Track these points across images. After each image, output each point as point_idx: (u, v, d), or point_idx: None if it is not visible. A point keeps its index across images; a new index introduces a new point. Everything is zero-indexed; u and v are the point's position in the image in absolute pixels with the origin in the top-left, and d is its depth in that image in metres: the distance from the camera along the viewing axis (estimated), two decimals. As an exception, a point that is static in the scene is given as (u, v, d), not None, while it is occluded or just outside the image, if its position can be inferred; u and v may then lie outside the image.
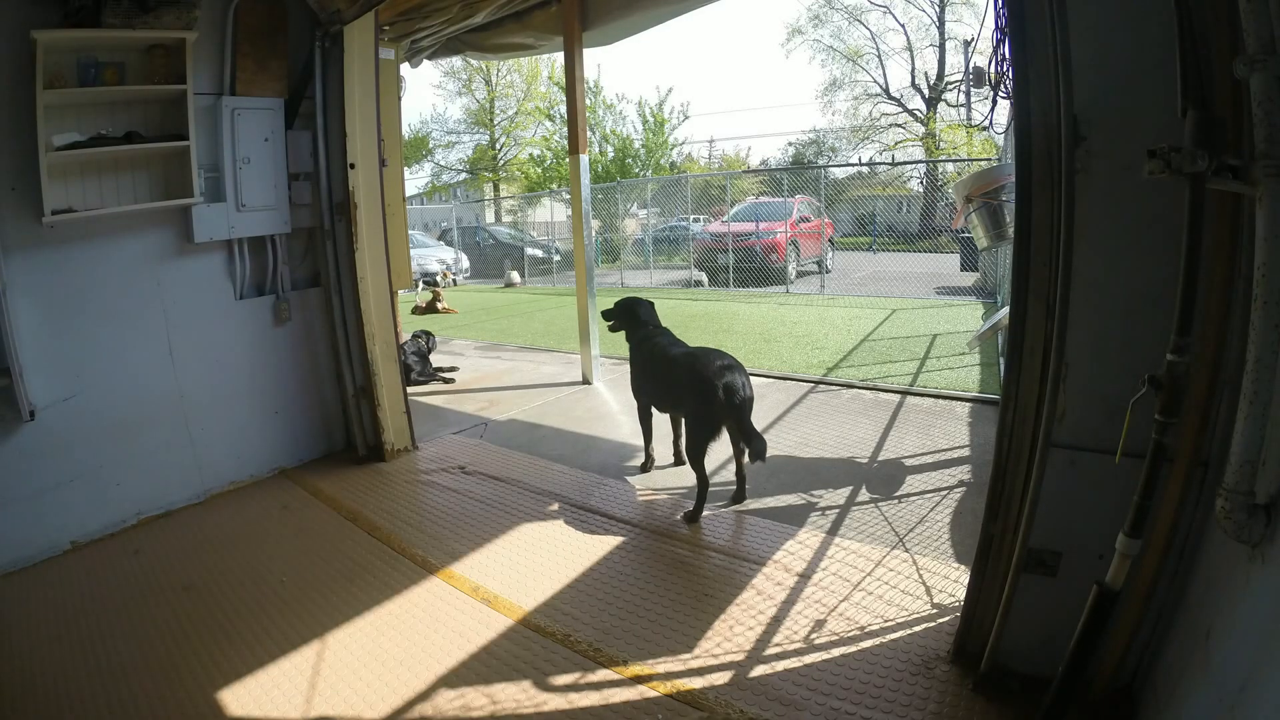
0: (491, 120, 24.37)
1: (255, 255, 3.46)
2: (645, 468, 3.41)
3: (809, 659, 1.94)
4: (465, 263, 15.64)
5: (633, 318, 3.32)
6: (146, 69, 2.92)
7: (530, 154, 21.61)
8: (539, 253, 15.36)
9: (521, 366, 6.04)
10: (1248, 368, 1.09)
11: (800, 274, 11.36)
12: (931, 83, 20.33)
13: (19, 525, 2.72)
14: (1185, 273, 1.25)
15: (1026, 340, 1.63)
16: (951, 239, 10.90)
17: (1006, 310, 2.41)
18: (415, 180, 25.40)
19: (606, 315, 3.46)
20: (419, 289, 11.37)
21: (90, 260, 2.91)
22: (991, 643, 1.73)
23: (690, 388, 2.82)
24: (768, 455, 2.74)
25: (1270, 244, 1.04)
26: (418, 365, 5.46)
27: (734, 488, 3.00)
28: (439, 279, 13.11)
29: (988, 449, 2.64)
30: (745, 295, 10.30)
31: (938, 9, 19.85)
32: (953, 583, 2.25)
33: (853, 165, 20.17)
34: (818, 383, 4.81)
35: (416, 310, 9.97)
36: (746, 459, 2.94)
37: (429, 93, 51.14)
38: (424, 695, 1.89)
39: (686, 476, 3.09)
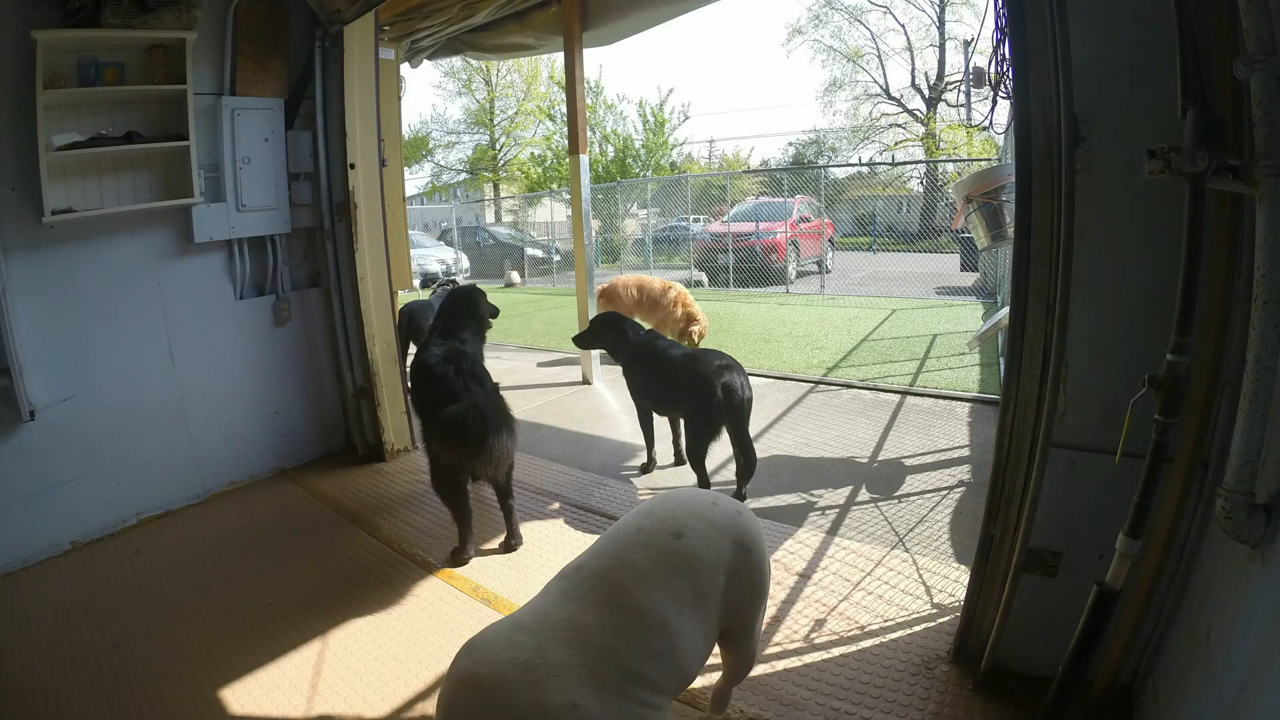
0: (491, 120, 24.33)
1: (255, 255, 3.45)
2: (646, 469, 3.40)
3: (809, 659, 1.94)
4: (465, 263, 15.62)
5: (619, 331, 3.29)
6: (146, 69, 2.92)
7: (530, 154, 21.59)
8: (539, 253, 15.34)
9: (521, 366, 6.04)
10: (1248, 368, 1.09)
11: (800, 274, 11.35)
12: (931, 83, 20.31)
13: (19, 525, 2.72)
14: (1185, 273, 1.25)
15: (1026, 340, 1.63)
16: (951, 239, 10.89)
17: (1006, 310, 2.41)
18: (415, 180, 25.41)
19: (580, 340, 3.47)
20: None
21: (90, 260, 2.90)
22: (991, 642, 1.73)
23: (690, 388, 2.82)
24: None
25: (1270, 244, 1.04)
26: None
27: (734, 487, 3.01)
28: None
29: (988, 449, 2.63)
30: (745, 295, 10.29)
31: (938, 9, 19.83)
32: (953, 583, 2.25)
33: (853, 165, 20.14)
34: (818, 383, 4.81)
35: None
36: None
37: (429, 93, 51.02)
38: (424, 695, 1.89)
39: (687, 476, 3.09)
